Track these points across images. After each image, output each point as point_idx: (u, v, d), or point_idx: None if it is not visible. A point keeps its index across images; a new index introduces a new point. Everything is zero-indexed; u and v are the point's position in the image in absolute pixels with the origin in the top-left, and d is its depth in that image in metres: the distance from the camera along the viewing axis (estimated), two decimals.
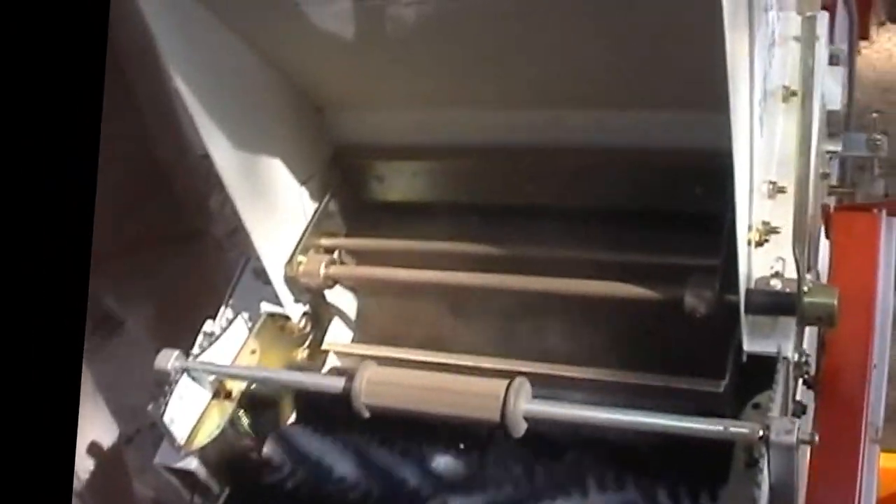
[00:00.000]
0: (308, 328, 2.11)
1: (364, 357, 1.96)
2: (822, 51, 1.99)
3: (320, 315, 2.13)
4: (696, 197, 1.85)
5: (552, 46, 1.70)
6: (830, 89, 2.03)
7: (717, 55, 1.34)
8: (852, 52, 3.16)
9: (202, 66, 1.74)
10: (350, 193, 2.13)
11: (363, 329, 2.18)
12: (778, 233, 1.74)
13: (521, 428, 1.68)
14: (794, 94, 1.91)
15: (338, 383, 1.82)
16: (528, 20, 1.63)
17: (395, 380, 1.80)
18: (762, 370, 1.70)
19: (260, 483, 2.01)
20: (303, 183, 2.05)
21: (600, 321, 1.95)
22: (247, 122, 1.87)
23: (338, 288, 2.11)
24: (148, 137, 2.97)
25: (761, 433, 1.51)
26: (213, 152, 1.80)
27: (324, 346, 2.11)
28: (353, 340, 2.16)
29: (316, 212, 2.07)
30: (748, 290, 1.67)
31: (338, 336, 2.15)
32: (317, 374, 2.06)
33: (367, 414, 1.79)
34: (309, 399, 2.03)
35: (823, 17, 2.04)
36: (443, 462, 1.91)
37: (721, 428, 1.58)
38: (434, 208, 2.08)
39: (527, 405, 1.68)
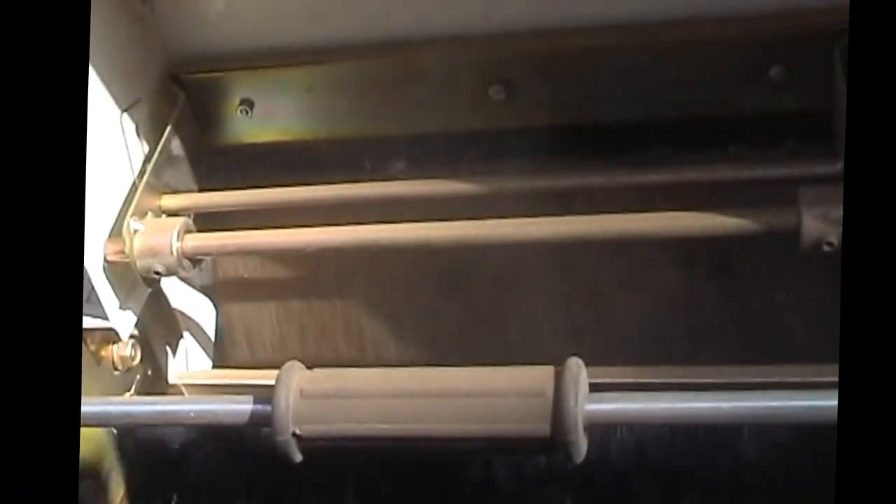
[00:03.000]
0: (137, 359, 1.32)
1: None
2: None
3: (153, 338, 1.36)
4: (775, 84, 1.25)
5: None
6: None
7: None
8: None
9: None
10: (203, 129, 1.37)
11: (231, 351, 1.41)
12: None
13: (583, 446, 0.99)
14: None
15: (239, 408, 1.06)
16: None
17: (352, 385, 1.04)
18: None
19: None
20: (125, 110, 1.28)
21: (653, 282, 1.31)
22: None
23: (183, 289, 1.35)
24: None
25: None
26: None
27: (173, 379, 1.34)
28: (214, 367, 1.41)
29: (150, 156, 1.29)
30: None
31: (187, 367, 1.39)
32: (193, 399, 1.26)
33: (298, 457, 1.03)
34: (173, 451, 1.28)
35: None
36: None
37: None
38: (347, 148, 1.36)
39: (589, 404, 0.99)
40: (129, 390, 1.33)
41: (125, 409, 1.15)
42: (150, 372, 1.36)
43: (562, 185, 1.23)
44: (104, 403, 1.17)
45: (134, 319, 1.28)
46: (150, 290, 1.28)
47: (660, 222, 1.15)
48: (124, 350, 1.29)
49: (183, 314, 1.37)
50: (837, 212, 1.08)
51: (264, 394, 1.04)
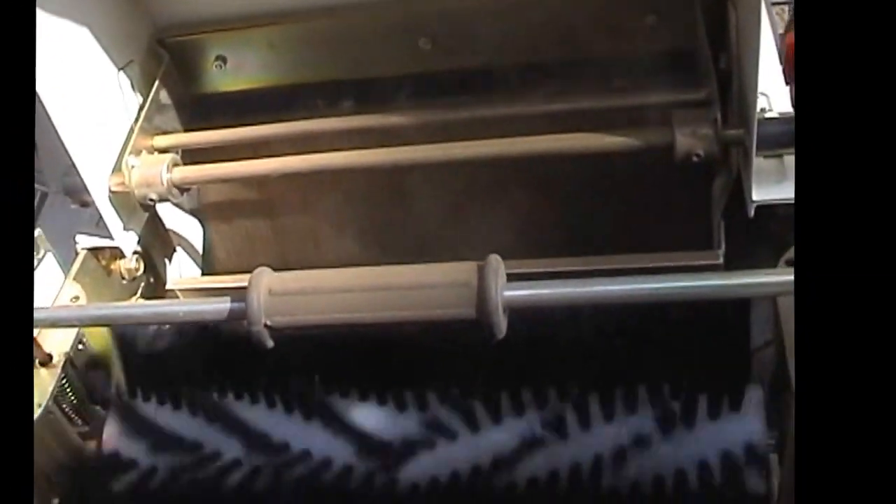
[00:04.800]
0: (140, 270, 1.60)
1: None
2: None
3: (153, 253, 1.63)
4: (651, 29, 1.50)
5: None
6: None
7: None
8: None
9: None
10: (185, 81, 1.63)
11: (215, 261, 1.69)
12: None
13: (503, 325, 1.19)
14: None
15: (220, 307, 1.26)
16: None
17: (312, 284, 1.25)
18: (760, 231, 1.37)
19: (106, 489, 1.48)
20: (121, 69, 1.54)
21: (550, 193, 1.56)
22: None
23: (175, 212, 1.62)
24: None
25: None
26: None
27: (169, 285, 1.61)
28: (203, 274, 1.67)
29: (143, 105, 1.55)
30: (762, 120, 1.31)
31: (180, 275, 1.65)
32: (182, 301, 1.54)
33: (270, 343, 1.24)
34: (164, 349, 1.52)
35: None
36: (369, 417, 1.47)
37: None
38: (304, 92, 1.61)
39: (507, 291, 1.18)
40: (135, 294, 1.60)
41: (126, 312, 1.36)
42: (151, 280, 1.62)
43: (478, 116, 1.46)
44: (109, 308, 1.42)
45: (136, 238, 1.54)
46: (147, 214, 1.54)
47: (561, 142, 1.39)
48: (129, 264, 1.57)
49: (176, 233, 1.62)
50: (703, 129, 1.32)
51: (241, 294, 1.23)
